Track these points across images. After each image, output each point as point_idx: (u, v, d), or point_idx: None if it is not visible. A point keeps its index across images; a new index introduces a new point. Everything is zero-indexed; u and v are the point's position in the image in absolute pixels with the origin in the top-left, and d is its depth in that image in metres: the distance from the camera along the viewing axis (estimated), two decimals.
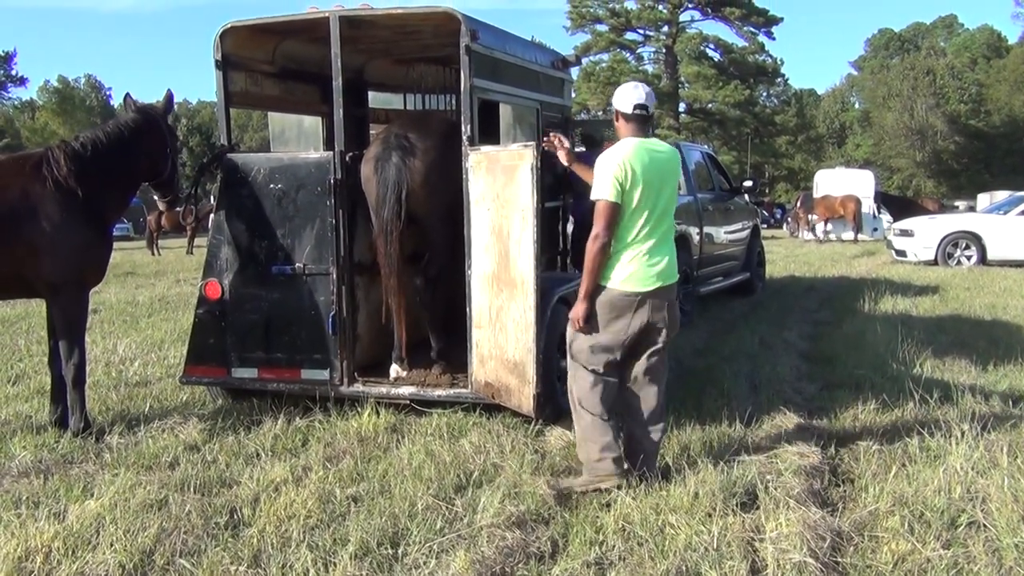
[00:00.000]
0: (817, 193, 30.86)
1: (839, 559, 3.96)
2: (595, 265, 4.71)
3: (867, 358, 8.07)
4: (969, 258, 18.46)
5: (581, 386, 4.90)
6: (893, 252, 19.93)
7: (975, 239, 18.57)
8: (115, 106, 66.03)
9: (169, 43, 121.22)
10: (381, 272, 6.35)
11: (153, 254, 27.98)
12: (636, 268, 4.72)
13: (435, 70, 8.32)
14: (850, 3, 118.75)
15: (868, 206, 29.84)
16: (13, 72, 54.02)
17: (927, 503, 4.49)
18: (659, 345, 4.89)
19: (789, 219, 36.87)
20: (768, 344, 8.80)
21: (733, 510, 4.44)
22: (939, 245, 18.65)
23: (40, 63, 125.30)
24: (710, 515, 4.38)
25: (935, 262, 18.43)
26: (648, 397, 4.95)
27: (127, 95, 6.51)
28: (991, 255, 18.28)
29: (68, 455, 5.61)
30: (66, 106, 64.82)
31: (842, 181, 31.09)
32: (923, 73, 60.35)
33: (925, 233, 19.07)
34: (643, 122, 4.83)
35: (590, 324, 4.79)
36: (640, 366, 4.92)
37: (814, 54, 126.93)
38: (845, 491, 4.86)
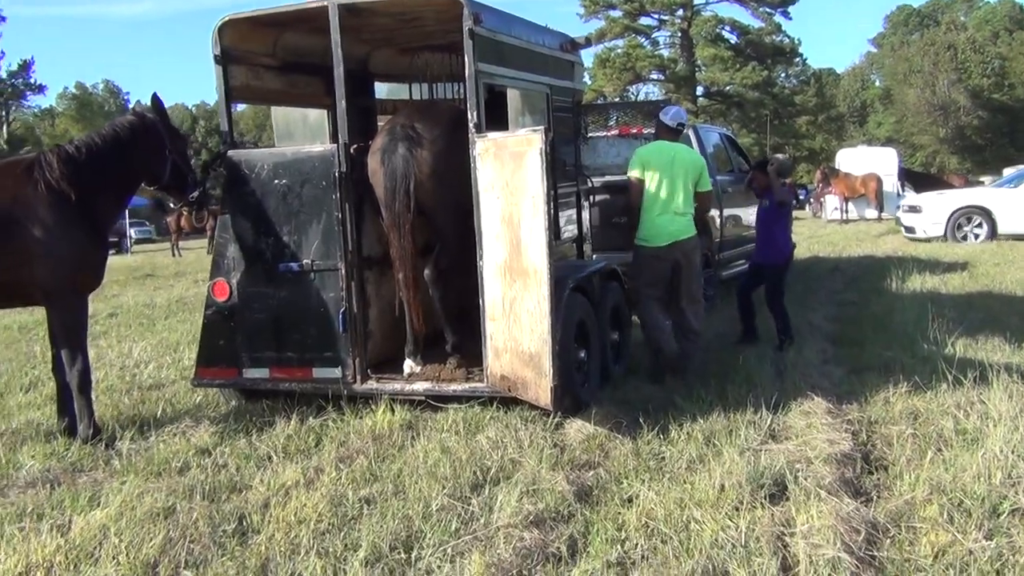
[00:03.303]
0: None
1: (875, 553, 3.76)
2: None
3: (896, 339, 7.84)
4: (978, 234, 18.18)
5: None
6: (903, 229, 19.65)
7: (985, 214, 18.31)
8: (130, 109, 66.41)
9: (185, 46, 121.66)
10: (393, 266, 6.20)
11: (174, 255, 28.08)
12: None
13: (441, 58, 8.13)
14: None
15: (892, 184, 29.34)
16: (32, 80, 54.30)
17: (966, 490, 4.27)
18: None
19: (811, 199, 36.39)
20: (793, 327, 8.56)
21: (761, 503, 4.25)
22: (948, 220, 18.42)
23: (58, 70, 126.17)
24: (737, 509, 4.20)
25: (944, 238, 18.19)
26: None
27: (152, 96, 6.34)
28: (1002, 229, 18.01)
29: (77, 463, 5.50)
30: (85, 112, 65.10)
31: (865, 160, 30.59)
32: (944, 48, 59.46)
33: (934, 209, 18.84)
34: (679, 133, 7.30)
35: None
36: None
37: (832, 33, 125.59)
38: (879, 479, 4.66)
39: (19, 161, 5.94)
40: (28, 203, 5.62)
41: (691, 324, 7.12)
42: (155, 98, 6.28)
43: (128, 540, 4.13)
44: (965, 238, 18.08)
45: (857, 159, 30.89)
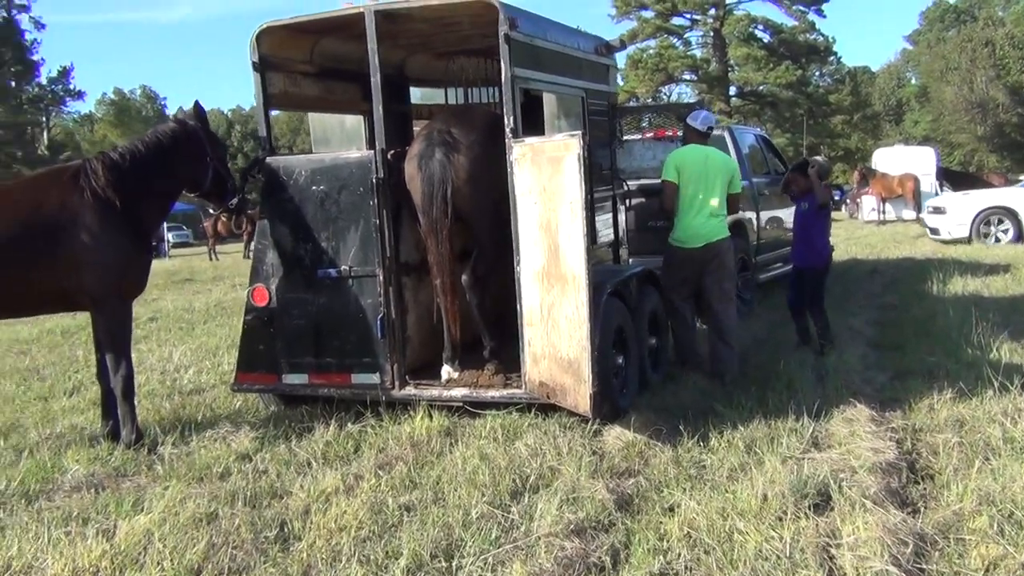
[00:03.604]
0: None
1: (924, 566, 3.69)
2: None
3: (939, 344, 7.70)
4: (1005, 233, 17.91)
5: None
6: (927, 230, 19.40)
7: (1011, 214, 18.02)
8: (171, 115, 67.23)
9: (222, 50, 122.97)
10: (431, 272, 6.20)
11: (211, 259, 28.34)
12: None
13: (477, 62, 8.14)
14: None
15: (930, 184, 28.88)
16: (71, 86, 55.12)
17: (1016, 501, 4.17)
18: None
19: (848, 200, 35.93)
20: (833, 332, 8.44)
21: (805, 513, 4.19)
22: (973, 222, 18.16)
23: (97, 76, 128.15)
24: (781, 519, 4.14)
25: (969, 239, 17.95)
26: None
27: (194, 104, 6.42)
28: None
29: (120, 468, 5.56)
30: (123, 117, 65.94)
31: (902, 159, 30.14)
32: (981, 44, 58.46)
33: (958, 210, 18.58)
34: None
35: None
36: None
37: (867, 30, 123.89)
38: (925, 489, 4.58)
39: (65, 168, 6.02)
40: (75, 210, 5.70)
41: (725, 323, 7.19)
42: (197, 105, 6.35)
43: (172, 545, 4.16)
44: (994, 240, 17.82)
45: (894, 159, 30.43)
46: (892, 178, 28.47)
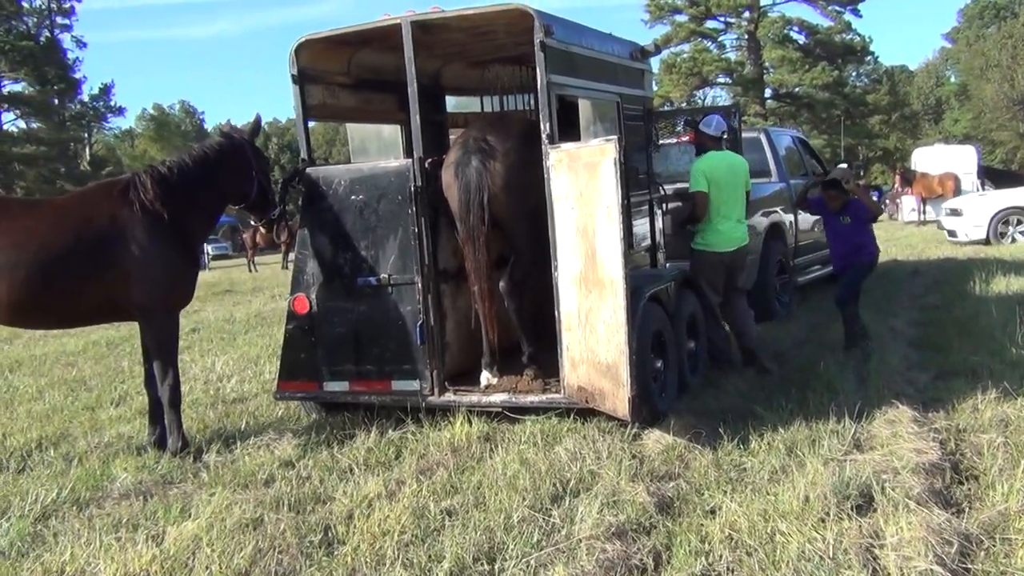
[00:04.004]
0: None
1: (969, 566, 3.66)
2: None
3: (983, 344, 7.61)
4: (1022, 234, 17.80)
5: None
6: (945, 233, 19.22)
7: None
8: (208, 129, 68.17)
9: (257, 63, 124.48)
10: (468, 278, 6.25)
11: (251, 271, 28.67)
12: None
13: (511, 70, 8.19)
14: None
15: (971, 182, 28.46)
16: (112, 103, 56.13)
17: None
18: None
19: (887, 201, 35.49)
20: (874, 333, 8.37)
21: (848, 514, 4.17)
22: (990, 223, 18.05)
23: (136, 92, 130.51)
24: (823, 520, 4.12)
25: (987, 241, 17.81)
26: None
27: (255, 117, 6.71)
28: None
29: (167, 475, 5.67)
30: (163, 132, 67.02)
31: (942, 158, 29.74)
32: (1022, 41, 57.55)
33: (975, 211, 18.48)
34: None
35: None
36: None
37: (904, 29, 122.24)
38: (970, 489, 4.53)
39: (115, 182, 6.17)
40: (125, 224, 5.84)
41: (739, 306, 7.68)
42: (256, 119, 6.54)
43: (220, 550, 4.25)
44: (1012, 240, 17.74)
45: (934, 158, 30.03)
46: (932, 177, 28.10)
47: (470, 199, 6.06)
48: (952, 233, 19.03)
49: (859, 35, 53.46)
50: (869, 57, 57.43)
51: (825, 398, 6.14)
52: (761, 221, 9.99)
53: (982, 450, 4.98)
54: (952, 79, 74.90)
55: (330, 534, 4.49)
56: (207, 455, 5.94)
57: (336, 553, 4.26)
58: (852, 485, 4.44)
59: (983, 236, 17.98)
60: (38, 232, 5.70)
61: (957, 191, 27.61)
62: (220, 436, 6.39)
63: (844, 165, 12.92)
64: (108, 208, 5.88)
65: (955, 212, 19.15)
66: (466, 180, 6.08)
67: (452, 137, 7.65)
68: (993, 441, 5.03)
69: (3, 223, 5.67)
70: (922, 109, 70.14)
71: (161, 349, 6.03)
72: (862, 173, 55.75)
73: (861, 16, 51.80)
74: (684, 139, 11.04)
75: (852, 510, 4.21)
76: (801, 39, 52.45)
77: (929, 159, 30.04)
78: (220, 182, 6.24)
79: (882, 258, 15.80)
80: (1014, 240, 17.73)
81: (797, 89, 52.77)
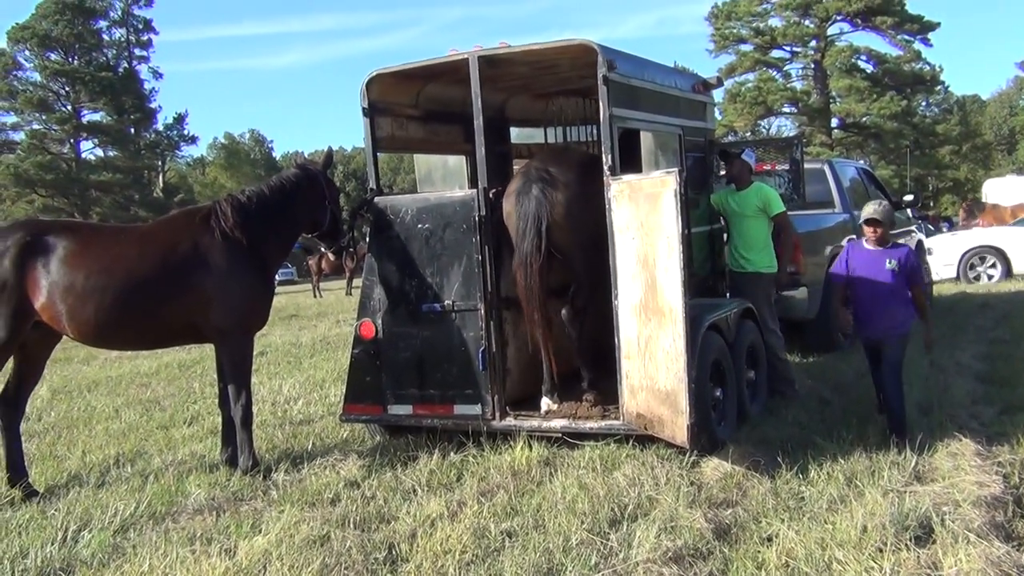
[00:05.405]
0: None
1: None
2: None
3: None
4: (992, 274, 17.82)
5: None
6: None
7: (998, 253, 17.95)
8: (277, 158, 69.76)
9: (325, 94, 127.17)
10: (522, 305, 6.37)
11: (315, 296, 29.19)
12: None
13: (575, 102, 8.35)
14: (1013, 1, 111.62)
15: None
16: (185, 132, 57.91)
17: None
18: None
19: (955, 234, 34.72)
20: (939, 366, 8.27)
21: (906, 545, 4.17)
22: (960, 261, 18.16)
23: (209, 121, 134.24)
24: (880, 550, 4.13)
25: (957, 279, 17.87)
26: None
27: (327, 150, 7.20)
28: (1017, 269, 17.70)
29: (238, 492, 5.87)
30: (233, 160, 68.86)
31: (1015, 190, 29.05)
32: None
33: (945, 250, 18.44)
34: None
35: None
36: None
37: (976, 58, 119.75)
38: None
39: (197, 210, 6.47)
40: (207, 250, 6.12)
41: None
42: (328, 152, 6.81)
43: (289, 564, 4.41)
44: (978, 278, 17.84)
45: (1006, 189, 29.37)
46: (1004, 209, 27.41)
47: (527, 227, 6.19)
48: None
49: (929, 64, 52.59)
50: (939, 87, 56.41)
51: (886, 430, 6.11)
52: (824, 251, 9.95)
53: None
54: None
55: (394, 552, 4.63)
56: (276, 474, 6.14)
57: (400, 571, 4.39)
58: (911, 516, 4.44)
59: (953, 275, 18.14)
60: (125, 257, 6.00)
61: None
62: (288, 456, 6.59)
63: (910, 196, 12.77)
64: (191, 235, 6.16)
65: (927, 252, 19.08)
66: (525, 208, 6.22)
67: (515, 167, 7.83)
68: None
69: (92, 249, 5.98)
70: (995, 139, 68.63)
71: (236, 371, 6.27)
72: (931, 204, 54.63)
73: (931, 45, 50.97)
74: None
75: (911, 541, 4.22)
76: (869, 68, 51.78)
77: (1001, 190, 29.38)
78: (296, 211, 6.50)
79: (951, 291, 15.69)
80: (991, 277, 17.82)
81: (864, 119, 52.03)
